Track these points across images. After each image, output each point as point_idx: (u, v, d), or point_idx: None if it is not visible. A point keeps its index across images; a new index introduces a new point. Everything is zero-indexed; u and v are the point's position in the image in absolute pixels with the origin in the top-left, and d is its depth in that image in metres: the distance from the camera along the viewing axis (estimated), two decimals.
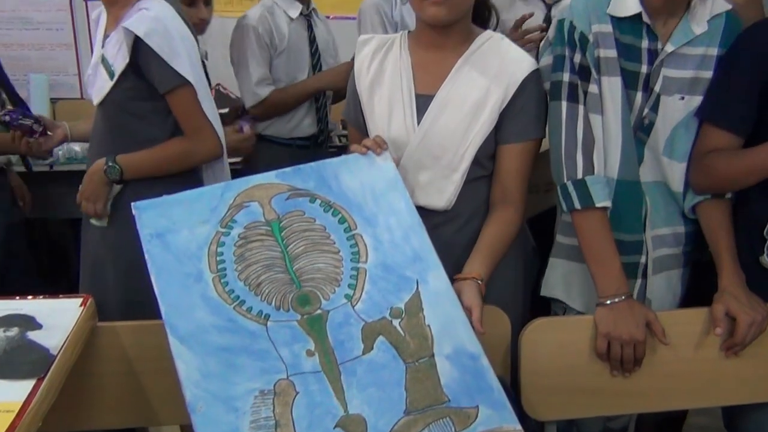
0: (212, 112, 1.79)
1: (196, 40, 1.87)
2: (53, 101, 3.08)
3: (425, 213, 1.41)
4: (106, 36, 1.77)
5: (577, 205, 1.47)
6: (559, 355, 1.44)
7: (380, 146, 1.42)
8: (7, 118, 1.95)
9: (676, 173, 1.51)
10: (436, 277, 1.30)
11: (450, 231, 1.50)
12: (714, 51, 1.47)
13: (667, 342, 1.43)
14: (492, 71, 1.47)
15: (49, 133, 2.02)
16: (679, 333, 1.45)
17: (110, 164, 1.72)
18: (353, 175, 1.39)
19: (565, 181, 1.48)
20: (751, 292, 1.45)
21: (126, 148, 1.74)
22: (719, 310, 1.43)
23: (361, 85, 1.57)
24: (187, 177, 1.78)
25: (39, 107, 3.06)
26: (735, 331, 1.42)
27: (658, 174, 1.53)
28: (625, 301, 1.44)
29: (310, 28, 2.52)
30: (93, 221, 1.80)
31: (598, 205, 1.46)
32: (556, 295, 1.64)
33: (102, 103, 1.76)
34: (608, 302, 1.44)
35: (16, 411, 1.00)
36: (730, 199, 1.51)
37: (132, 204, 1.32)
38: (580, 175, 1.47)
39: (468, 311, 1.29)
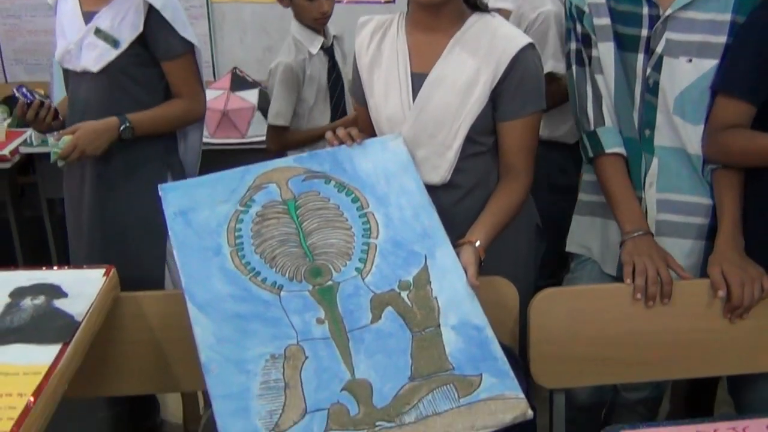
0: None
1: (324, 33, 2.39)
2: None
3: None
4: (86, 12, 1.95)
5: (591, 154, 1.65)
6: (567, 325, 1.48)
7: (352, 139, 1.49)
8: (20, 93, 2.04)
9: (691, 135, 1.58)
10: (444, 253, 1.35)
11: (448, 202, 1.55)
12: (727, 17, 1.52)
13: (687, 276, 1.49)
14: (482, 50, 1.51)
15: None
16: (687, 303, 1.48)
17: (127, 125, 1.91)
18: (367, 158, 1.47)
19: (582, 134, 1.66)
20: (746, 256, 1.49)
21: (125, 111, 1.93)
22: (715, 273, 1.46)
23: (361, 65, 1.64)
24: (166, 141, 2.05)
25: (60, 89, 3.16)
26: (730, 293, 1.45)
27: (675, 140, 1.59)
28: (645, 236, 1.54)
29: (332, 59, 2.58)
30: (59, 162, 1.91)
31: (608, 151, 1.62)
32: (574, 249, 1.78)
33: (103, 71, 1.93)
34: (630, 237, 1.54)
35: (44, 373, 1.06)
36: (743, 168, 1.55)
37: (159, 186, 1.41)
38: (592, 128, 1.64)
39: (464, 270, 1.34)
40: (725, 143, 1.52)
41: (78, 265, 1.38)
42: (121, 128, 1.90)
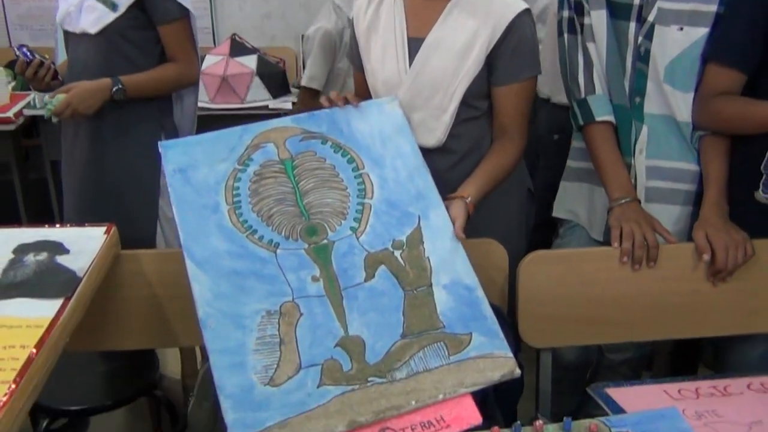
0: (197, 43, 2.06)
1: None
2: None
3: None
4: None
5: (581, 122, 1.63)
6: (555, 286, 1.48)
7: (345, 101, 1.47)
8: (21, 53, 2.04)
9: (680, 102, 1.56)
10: (437, 214, 1.35)
11: (443, 167, 1.55)
12: None
13: (673, 240, 1.49)
14: (479, 15, 1.50)
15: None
16: (672, 266, 1.49)
17: (119, 87, 1.91)
18: (363, 120, 1.46)
19: (572, 101, 1.64)
20: (730, 221, 1.49)
21: (121, 73, 1.94)
22: (700, 237, 1.47)
23: (359, 30, 1.62)
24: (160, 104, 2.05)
25: (63, 53, 3.14)
26: (714, 257, 1.45)
27: (663, 107, 1.58)
28: (633, 202, 1.54)
29: None
30: (53, 119, 1.91)
31: (598, 119, 1.60)
32: (561, 214, 1.78)
33: (100, 33, 1.93)
34: (617, 204, 1.54)
35: (46, 326, 1.06)
36: (730, 136, 1.54)
37: (159, 143, 1.39)
38: (582, 95, 1.62)
39: (452, 222, 1.34)
40: (717, 110, 1.51)
41: (78, 223, 1.37)
42: (114, 89, 1.91)
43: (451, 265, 1.30)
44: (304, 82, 2.49)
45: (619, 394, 1.30)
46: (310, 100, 2.53)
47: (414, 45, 1.54)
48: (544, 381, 1.54)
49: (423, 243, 1.32)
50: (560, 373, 1.69)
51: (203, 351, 1.67)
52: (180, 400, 2.07)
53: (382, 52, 1.57)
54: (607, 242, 1.51)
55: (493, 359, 1.19)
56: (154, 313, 1.45)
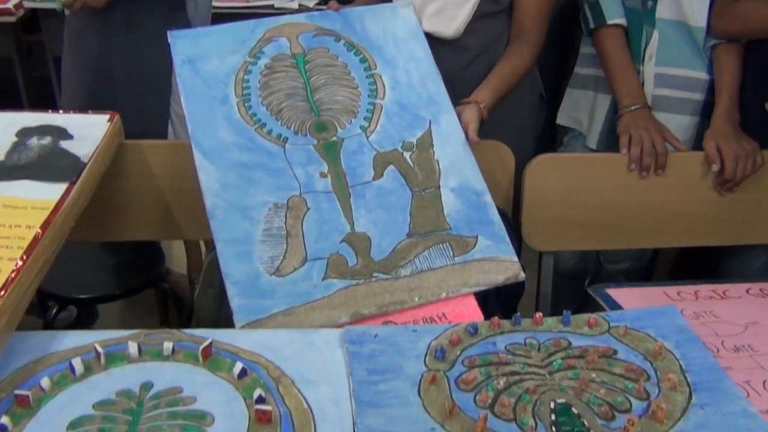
0: None
1: None
2: None
3: (432, 42, 1.41)
4: None
5: (592, 24, 1.56)
6: (560, 191, 1.45)
7: None
8: None
9: (695, 6, 1.49)
10: (448, 120, 1.32)
11: (455, 67, 1.49)
12: None
13: (683, 148, 1.46)
14: None
15: None
16: (679, 174, 1.45)
17: None
18: (377, 21, 1.40)
19: (583, 3, 1.57)
20: (741, 131, 1.45)
21: None
22: (710, 146, 1.43)
23: None
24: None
25: None
26: (723, 167, 1.42)
27: (676, 11, 1.51)
28: (643, 109, 1.49)
29: None
30: (66, 11, 1.81)
31: (609, 22, 1.54)
32: (564, 121, 1.73)
33: None
34: (627, 111, 1.49)
35: (51, 208, 1.03)
36: (744, 44, 1.48)
37: (168, 33, 1.33)
38: None
39: (465, 127, 1.31)
40: (741, 13, 1.43)
41: (82, 110, 1.32)
42: None
43: (460, 169, 1.27)
44: None
45: (619, 294, 1.30)
46: None
47: None
48: (545, 284, 1.54)
49: (433, 146, 1.28)
50: (558, 281, 1.68)
51: (208, 245, 1.66)
52: (186, 292, 2.08)
53: None
54: (600, 151, 1.47)
55: (498, 262, 1.18)
56: (158, 204, 1.41)
